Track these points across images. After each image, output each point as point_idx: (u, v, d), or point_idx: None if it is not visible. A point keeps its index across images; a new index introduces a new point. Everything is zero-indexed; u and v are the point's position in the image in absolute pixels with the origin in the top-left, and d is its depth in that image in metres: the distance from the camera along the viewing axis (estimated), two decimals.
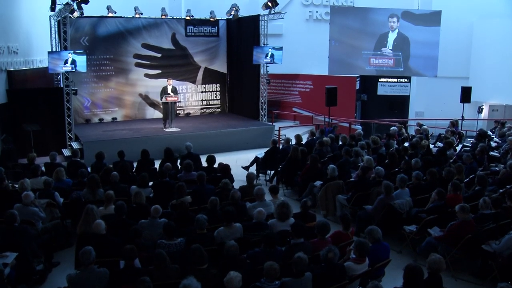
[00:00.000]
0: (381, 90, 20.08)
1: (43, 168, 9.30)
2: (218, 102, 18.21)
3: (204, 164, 9.75)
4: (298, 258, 4.84)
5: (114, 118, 16.33)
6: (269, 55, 15.51)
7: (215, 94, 18.09)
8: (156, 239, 5.97)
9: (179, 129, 14.31)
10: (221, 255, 5.39)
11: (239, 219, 6.43)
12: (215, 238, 5.93)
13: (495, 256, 6.18)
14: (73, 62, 12.66)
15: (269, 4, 15.13)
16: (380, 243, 5.69)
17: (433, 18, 18.58)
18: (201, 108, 17.93)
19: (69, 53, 12.65)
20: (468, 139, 13.96)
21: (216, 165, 9.49)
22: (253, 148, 14.15)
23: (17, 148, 12.22)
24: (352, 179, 9.07)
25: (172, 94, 14.22)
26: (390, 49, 18.96)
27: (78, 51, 12.91)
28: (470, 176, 8.99)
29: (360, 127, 17.71)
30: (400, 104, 20.15)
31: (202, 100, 17.89)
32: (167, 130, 14.26)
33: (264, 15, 15.66)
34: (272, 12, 15.31)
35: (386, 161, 9.87)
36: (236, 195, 6.96)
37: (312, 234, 5.99)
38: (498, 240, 6.26)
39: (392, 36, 18.95)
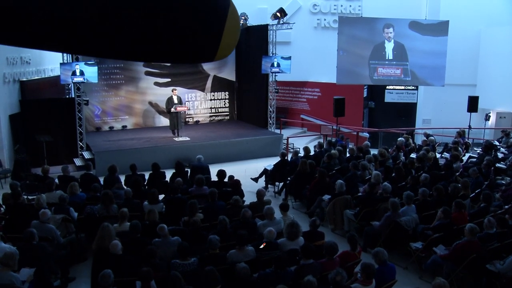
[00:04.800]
0: (389, 98, 20.15)
1: (56, 180, 9.52)
2: (226, 110, 18.37)
3: (214, 178, 9.85)
4: (308, 281, 4.99)
5: (124, 126, 16.55)
6: (275, 64, 15.65)
7: (224, 102, 18.25)
8: (169, 257, 6.15)
9: (189, 139, 14.46)
10: (233, 275, 5.55)
11: (250, 238, 6.59)
12: (227, 259, 6.09)
13: (499, 276, 6.31)
14: (82, 73, 12.81)
15: (278, 14, 15.31)
16: (386, 265, 5.83)
17: (440, 28, 18.60)
18: (210, 116, 18.10)
19: (76, 64, 12.78)
20: (475, 148, 14.02)
21: (226, 178, 9.57)
22: (262, 157, 14.33)
23: (30, 157, 12.48)
24: (360, 193, 9.20)
25: (179, 104, 14.46)
26: (391, 59, 19.01)
27: (89, 62, 13.05)
28: (476, 191, 9.10)
29: (367, 135, 17.85)
30: (407, 112, 20.21)
31: (211, 108, 18.06)
32: (176, 139, 14.43)
33: (273, 24, 15.82)
34: (281, 22, 15.49)
35: (393, 174, 10.01)
36: (247, 214, 7.09)
37: (321, 253, 6.15)
38: (503, 260, 6.38)
39: (389, 46, 18.99)
